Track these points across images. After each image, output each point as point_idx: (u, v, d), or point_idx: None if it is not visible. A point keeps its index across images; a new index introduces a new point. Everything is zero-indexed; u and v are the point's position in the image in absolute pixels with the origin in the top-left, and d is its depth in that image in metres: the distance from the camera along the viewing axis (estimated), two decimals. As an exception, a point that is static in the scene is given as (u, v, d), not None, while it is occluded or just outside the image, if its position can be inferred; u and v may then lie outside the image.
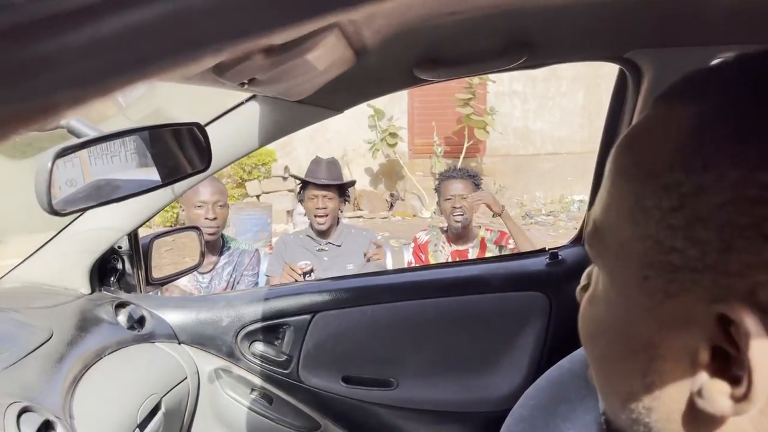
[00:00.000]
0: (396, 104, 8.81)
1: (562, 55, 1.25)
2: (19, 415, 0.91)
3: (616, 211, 0.37)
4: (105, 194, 0.80)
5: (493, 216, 2.64)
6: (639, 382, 0.36)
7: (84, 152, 0.84)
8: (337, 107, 1.32)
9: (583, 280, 0.46)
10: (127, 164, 0.89)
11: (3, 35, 0.12)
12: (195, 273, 2.38)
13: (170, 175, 0.88)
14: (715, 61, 0.37)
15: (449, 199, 2.66)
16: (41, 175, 0.69)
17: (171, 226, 6.91)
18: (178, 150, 0.90)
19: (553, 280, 1.51)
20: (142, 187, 0.85)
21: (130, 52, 0.13)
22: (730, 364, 0.31)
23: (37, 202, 0.69)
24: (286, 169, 8.24)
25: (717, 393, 0.31)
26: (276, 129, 1.29)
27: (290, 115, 1.29)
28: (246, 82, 0.88)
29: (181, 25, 0.14)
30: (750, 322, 0.29)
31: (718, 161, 0.31)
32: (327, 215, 2.64)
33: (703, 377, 0.32)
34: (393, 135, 8.56)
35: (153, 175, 0.87)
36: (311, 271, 2.48)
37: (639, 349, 0.36)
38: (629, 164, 0.36)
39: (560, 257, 1.54)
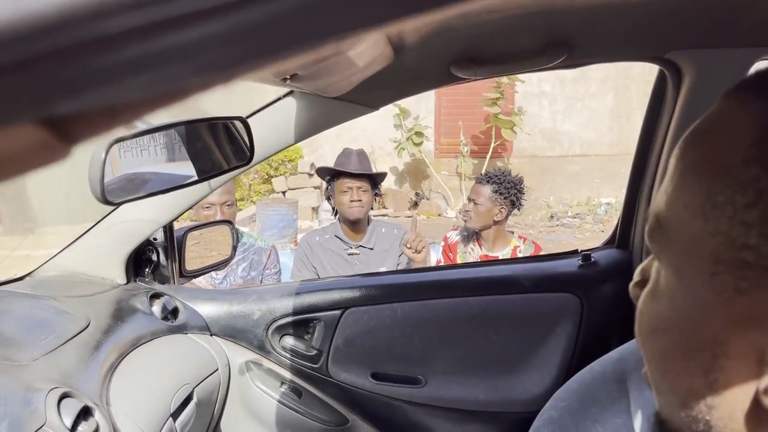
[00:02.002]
0: (422, 103, 8.79)
1: (601, 55, 1.24)
2: (59, 401, 0.93)
3: (683, 206, 0.36)
4: (153, 186, 0.82)
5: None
6: (701, 379, 0.36)
7: (114, 146, 0.85)
8: (373, 104, 1.33)
9: (636, 276, 0.45)
10: (156, 158, 0.90)
11: (149, 29, 0.13)
12: (208, 270, 2.38)
13: (213, 168, 0.89)
14: None
15: (468, 201, 2.67)
16: (95, 165, 0.70)
17: (195, 221, 6.98)
18: (221, 143, 0.92)
19: (585, 282, 1.50)
20: (186, 180, 0.86)
21: (259, 43, 0.14)
22: None
23: (90, 191, 0.70)
24: (312, 166, 8.27)
25: None
26: (313, 125, 1.30)
27: (327, 111, 1.30)
28: (288, 77, 0.89)
29: (306, 19, 0.14)
30: None
31: None
32: (363, 207, 2.49)
33: None
34: (419, 134, 8.55)
35: (195, 168, 0.88)
36: None
37: (703, 346, 0.35)
38: (699, 159, 0.36)
39: (593, 259, 1.52)
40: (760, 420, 0.34)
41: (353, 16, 0.13)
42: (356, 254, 2.54)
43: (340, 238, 2.57)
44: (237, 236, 2.47)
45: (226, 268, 2.44)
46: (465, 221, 2.66)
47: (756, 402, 0.33)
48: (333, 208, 2.62)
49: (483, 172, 2.82)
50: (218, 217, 2.32)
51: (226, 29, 0.13)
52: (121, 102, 0.14)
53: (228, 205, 2.38)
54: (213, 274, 2.43)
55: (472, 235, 2.71)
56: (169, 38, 0.13)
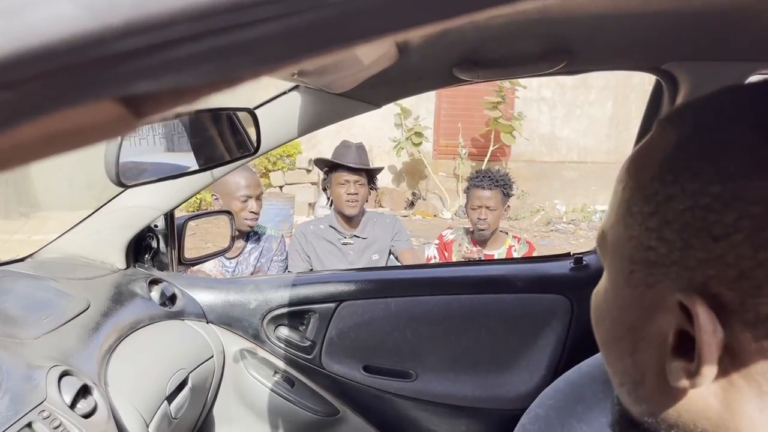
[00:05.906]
0: (423, 104, 8.82)
1: (600, 63, 1.26)
2: (59, 378, 0.96)
3: (615, 216, 0.44)
4: (163, 171, 0.84)
5: None
6: (629, 360, 0.43)
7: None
8: (376, 102, 1.35)
9: None
10: (154, 148, 0.92)
11: (220, 31, 0.16)
12: (222, 258, 2.42)
13: (220, 157, 0.91)
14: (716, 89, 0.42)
15: (475, 209, 2.59)
16: (111, 148, 0.73)
17: (193, 211, 6.97)
18: (229, 133, 0.94)
19: (576, 284, 1.53)
20: (194, 167, 0.88)
21: (304, 43, 0.17)
22: (693, 345, 0.37)
23: (106, 174, 0.73)
24: (311, 162, 8.29)
25: (678, 369, 0.38)
26: (316, 119, 1.33)
27: (330, 107, 1.32)
28: (296, 72, 0.91)
29: (351, 22, 0.17)
30: (701, 309, 0.35)
31: (684, 175, 0.38)
32: (358, 201, 2.58)
33: (669, 356, 0.39)
34: (418, 134, 8.58)
35: (203, 156, 0.90)
36: None
37: (627, 332, 0.43)
38: (627, 176, 0.43)
39: (585, 262, 1.55)
40: (670, 394, 0.40)
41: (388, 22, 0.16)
42: (350, 244, 2.64)
43: (335, 228, 2.65)
44: (255, 229, 2.54)
45: (238, 257, 2.50)
46: (480, 229, 2.60)
47: (665, 378, 0.39)
48: (329, 199, 2.70)
49: (475, 175, 2.69)
50: (255, 209, 2.42)
51: (279, 31, 0.15)
52: (186, 85, 0.16)
53: (258, 198, 2.46)
54: (225, 262, 2.48)
55: (467, 234, 2.73)
56: (235, 37, 0.15)
